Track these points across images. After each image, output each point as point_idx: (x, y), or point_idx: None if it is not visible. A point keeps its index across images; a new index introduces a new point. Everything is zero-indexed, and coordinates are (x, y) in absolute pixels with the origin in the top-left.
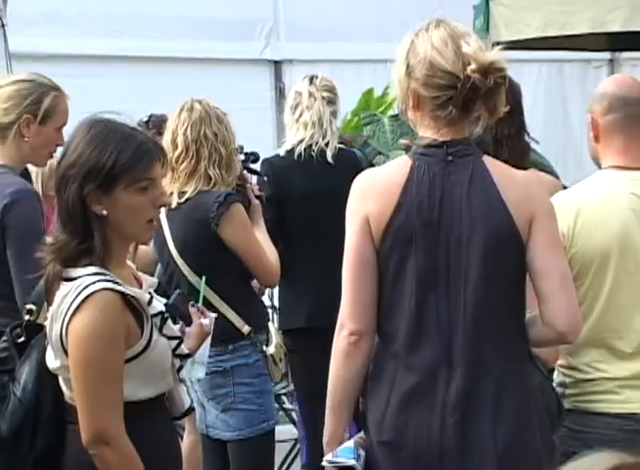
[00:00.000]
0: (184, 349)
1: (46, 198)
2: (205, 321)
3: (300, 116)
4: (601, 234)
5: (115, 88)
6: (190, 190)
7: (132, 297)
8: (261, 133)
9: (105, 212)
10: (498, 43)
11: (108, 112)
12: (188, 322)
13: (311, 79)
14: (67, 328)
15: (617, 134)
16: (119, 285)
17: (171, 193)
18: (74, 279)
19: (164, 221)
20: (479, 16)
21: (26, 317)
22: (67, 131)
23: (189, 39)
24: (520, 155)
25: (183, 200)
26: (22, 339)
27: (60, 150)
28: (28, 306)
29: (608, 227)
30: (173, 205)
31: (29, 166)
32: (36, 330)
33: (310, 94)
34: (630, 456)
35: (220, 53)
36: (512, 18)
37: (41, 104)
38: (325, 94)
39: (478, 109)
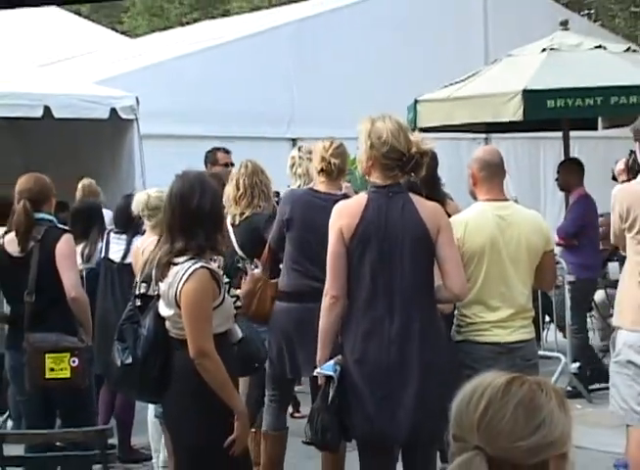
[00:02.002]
0: (238, 303)
1: None
2: (256, 271)
3: (295, 170)
4: (479, 238)
5: (200, 154)
6: (247, 213)
7: (215, 272)
8: (282, 183)
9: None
10: (421, 129)
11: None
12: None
13: (299, 148)
14: (180, 290)
15: (485, 182)
16: (209, 264)
17: (234, 215)
18: (179, 264)
19: (231, 230)
20: (410, 112)
21: (142, 290)
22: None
23: (241, 125)
24: (439, 192)
25: (243, 218)
26: (139, 303)
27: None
28: (143, 284)
29: (483, 233)
30: (237, 222)
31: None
32: (147, 298)
33: (300, 157)
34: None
35: (260, 133)
36: (429, 113)
37: None
38: (308, 155)
39: (411, 171)
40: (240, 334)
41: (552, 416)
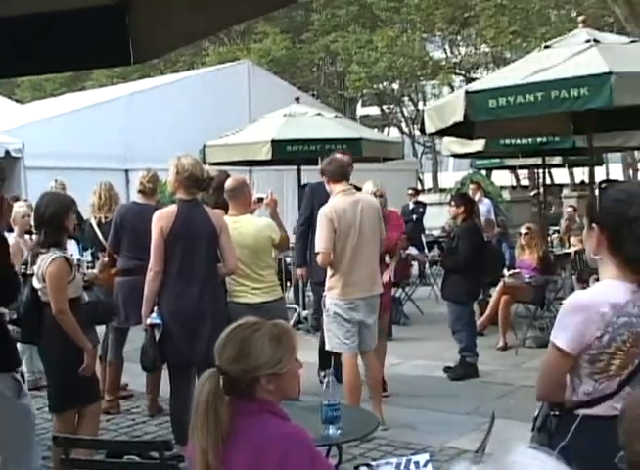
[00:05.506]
0: (86, 278)
1: None
2: (105, 259)
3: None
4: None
5: (67, 179)
6: (110, 217)
7: (68, 258)
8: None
9: None
10: (210, 163)
11: None
12: None
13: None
14: (45, 272)
15: (229, 201)
16: (64, 253)
17: (99, 218)
18: (43, 254)
19: (97, 228)
20: (200, 152)
21: (22, 271)
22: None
23: (92, 160)
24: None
25: (107, 220)
26: (21, 279)
27: None
28: (23, 267)
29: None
30: (102, 222)
31: None
32: (26, 276)
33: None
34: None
35: (105, 166)
36: (213, 153)
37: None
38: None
39: (203, 189)
40: (87, 298)
41: (259, 350)
